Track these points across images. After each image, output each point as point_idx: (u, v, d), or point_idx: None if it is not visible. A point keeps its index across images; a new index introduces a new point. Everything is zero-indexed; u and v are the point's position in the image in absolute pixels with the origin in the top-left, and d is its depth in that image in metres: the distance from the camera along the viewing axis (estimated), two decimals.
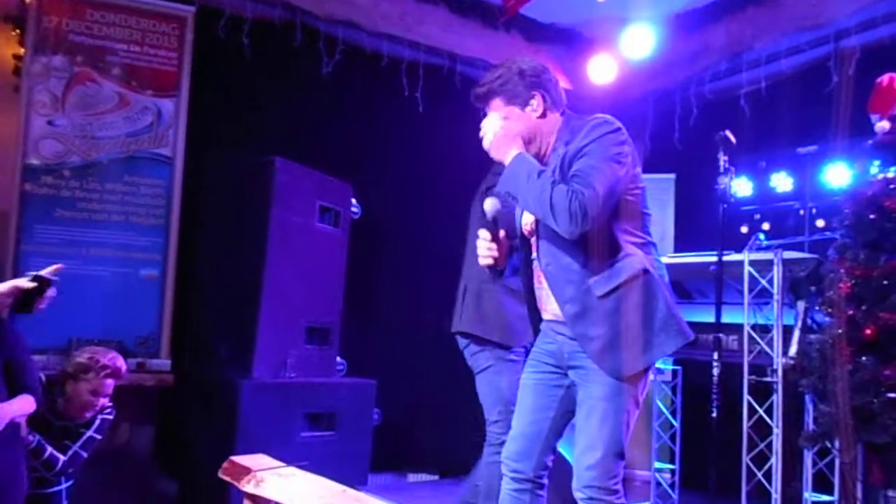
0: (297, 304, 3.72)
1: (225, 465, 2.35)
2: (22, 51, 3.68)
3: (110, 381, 2.78)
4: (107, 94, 3.75)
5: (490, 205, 2.14)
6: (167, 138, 3.84)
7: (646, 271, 2.01)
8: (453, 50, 4.90)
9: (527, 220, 2.19)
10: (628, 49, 5.06)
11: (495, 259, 2.18)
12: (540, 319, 2.93)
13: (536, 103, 2.11)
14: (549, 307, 2.17)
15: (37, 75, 3.63)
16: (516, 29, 5.16)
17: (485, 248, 2.16)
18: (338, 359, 4.12)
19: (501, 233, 2.20)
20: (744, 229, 4.65)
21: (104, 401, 2.78)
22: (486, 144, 2.09)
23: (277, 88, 4.41)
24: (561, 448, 2.31)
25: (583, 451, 2.02)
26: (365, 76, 4.65)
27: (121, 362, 2.82)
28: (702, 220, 4.64)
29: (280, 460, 2.64)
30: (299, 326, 3.76)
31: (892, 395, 2.47)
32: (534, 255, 2.17)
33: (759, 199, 4.76)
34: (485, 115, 2.15)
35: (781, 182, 4.68)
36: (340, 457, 3.70)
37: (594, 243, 1.98)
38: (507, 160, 2.05)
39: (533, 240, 2.15)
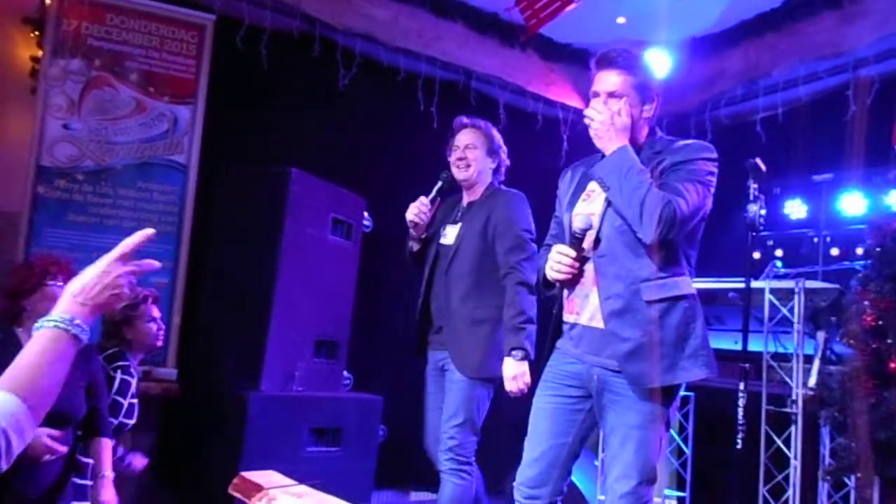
0: (307, 316, 3.68)
1: (235, 480, 2.29)
2: (40, 53, 3.67)
3: (154, 306, 2.88)
4: (123, 100, 3.73)
5: (582, 221, 2.06)
6: (182, 145, 3.81)
7: (694, 295, 2.05)
8: (469, 66, 4.89)
9: (585, 211, 2.13)
10: None
11: (574, 276, 2.12)
12: (426, 337, 2.92)
13: (651, 107, 2.13)
14: (586, 310, 2.11)
15: (54, 78, 3.61)
16: (532, 47, 5.16)
17: (566, 266, 2.08)
18: (345, 373, 4.07)
19: (587, 248, 2.11)
20: (756, 255, 4.62)
21: (161, 324, 2.90)
22: (593, 130, 2.09)
23: (294, 99, 4.40)
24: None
25: (617, 478, 2.00)
26: (381, 90, 4.64)
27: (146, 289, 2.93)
28: (714, 244, 4.61)
29: (285, 475, 2.59)
30: (308, 339, 3.72)
31: None
32: (587, 251, 2.11)
33: (772, 226, 4.73)
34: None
35: (795, 209, 4.67)
36: (345, 473, 3.64)
37: (660, 252, 2.00)
38: (610, 150, 2.06)
39: (589, 235, 2.09)
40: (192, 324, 3.83)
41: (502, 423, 4.47)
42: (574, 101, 5.36)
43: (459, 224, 2.95)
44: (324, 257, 3.79)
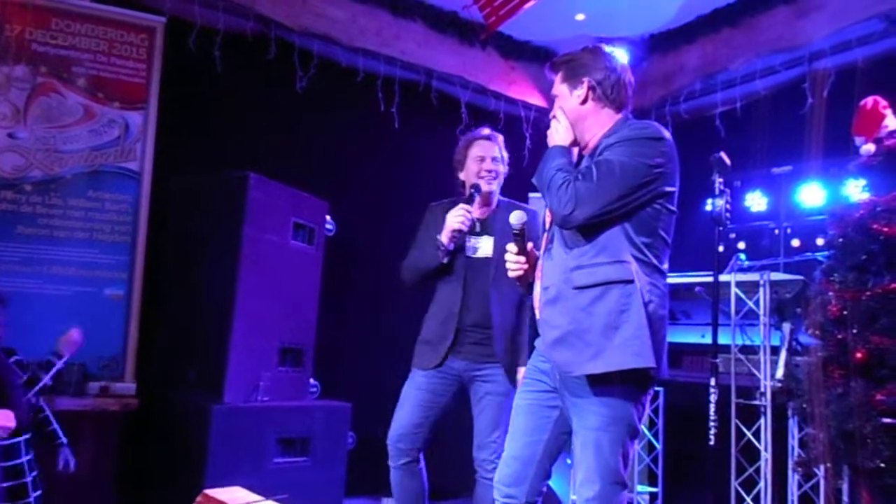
0: (270, 324, 3.60)
1: (199, 499, 2.22)
2: None
3: None
4: (71, 106, 3.60)
5: (516, 217, 2.11)
6: (134, 152, 3.69)
7: (631, 281, 1.92)
8: (429, 66, 4.84)
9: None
10: None
11: (525, 272, 2.18)
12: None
13: (582, 90, 2.08)
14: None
15: None
16: (492, 46, 5.13)
17: (513, 262, 2.17)
18: (311, 381, 3.99)
19: (529, 245, 2.19)
20: (720, 248, 4.65)
21: None
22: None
23: (250, 103, 4.29)
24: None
25: (581, 483, 1.97)
26: (340, 91, 4.56)
27: None
28: (676, 239, 4.64)
29: (252, 488, 2.51)
30: (272, 348, 3.63)
31: (885, 420, 2.44)
32: (530, 248, 2.21)
33: (734, 219, 4.76)
34: None
35: (756, 202, 4.71)
36: (314, 483, 3.57)
37: (593, 239, 1.97)
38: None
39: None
40: (150, 336, 3.71)
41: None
42: (535, 99, 5.35)
43: (492, 238, 2.98)
44: (286, 263, 3.71)
